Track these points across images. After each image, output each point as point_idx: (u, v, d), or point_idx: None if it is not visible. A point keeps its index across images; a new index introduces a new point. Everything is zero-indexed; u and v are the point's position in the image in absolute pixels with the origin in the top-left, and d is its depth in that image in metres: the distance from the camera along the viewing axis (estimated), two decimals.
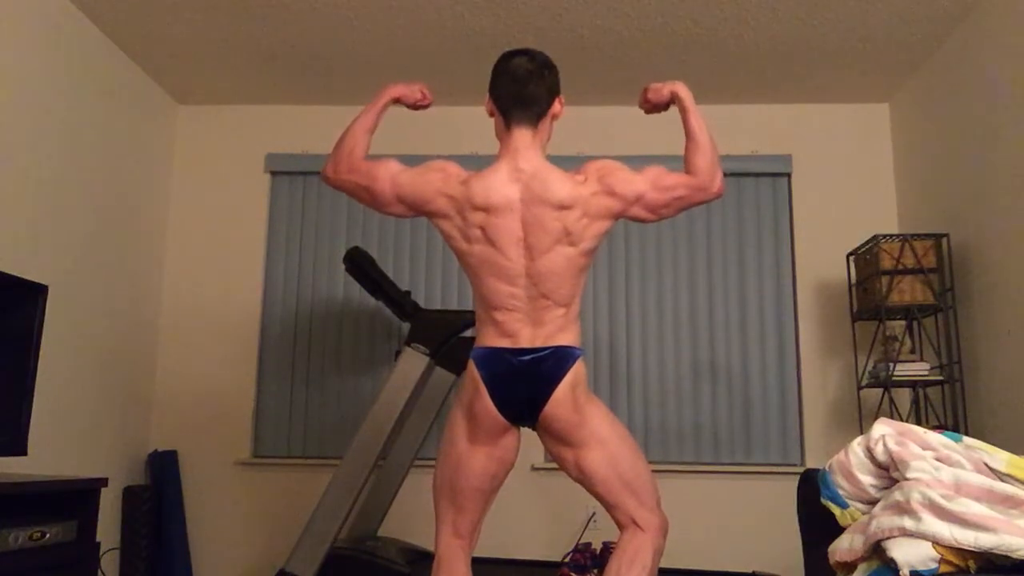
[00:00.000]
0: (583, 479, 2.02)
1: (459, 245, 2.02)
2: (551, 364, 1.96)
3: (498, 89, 2.04)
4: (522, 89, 2.00)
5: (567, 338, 1.99)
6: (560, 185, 1.97)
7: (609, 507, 2.04)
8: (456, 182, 2.01)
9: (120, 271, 3.76)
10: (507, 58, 2.05)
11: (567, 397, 1.96)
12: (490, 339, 2.00)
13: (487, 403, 1.96)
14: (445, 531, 2.04)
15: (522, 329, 1.98)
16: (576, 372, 1.98)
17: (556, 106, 2.07)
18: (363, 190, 2.08)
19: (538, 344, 1.97)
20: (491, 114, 2.09)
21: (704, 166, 2.03)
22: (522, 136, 2.02)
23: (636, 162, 4.37)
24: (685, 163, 2.06)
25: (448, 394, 3.60)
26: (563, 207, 1.95)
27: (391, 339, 4.07)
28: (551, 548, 3.79)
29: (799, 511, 2.39)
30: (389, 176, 2.06)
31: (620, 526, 2.04)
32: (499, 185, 1.97)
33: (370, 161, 2.11)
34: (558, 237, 1.96)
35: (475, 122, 4.06)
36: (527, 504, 3.84)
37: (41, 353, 2.69)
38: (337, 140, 2.18)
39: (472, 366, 2.00)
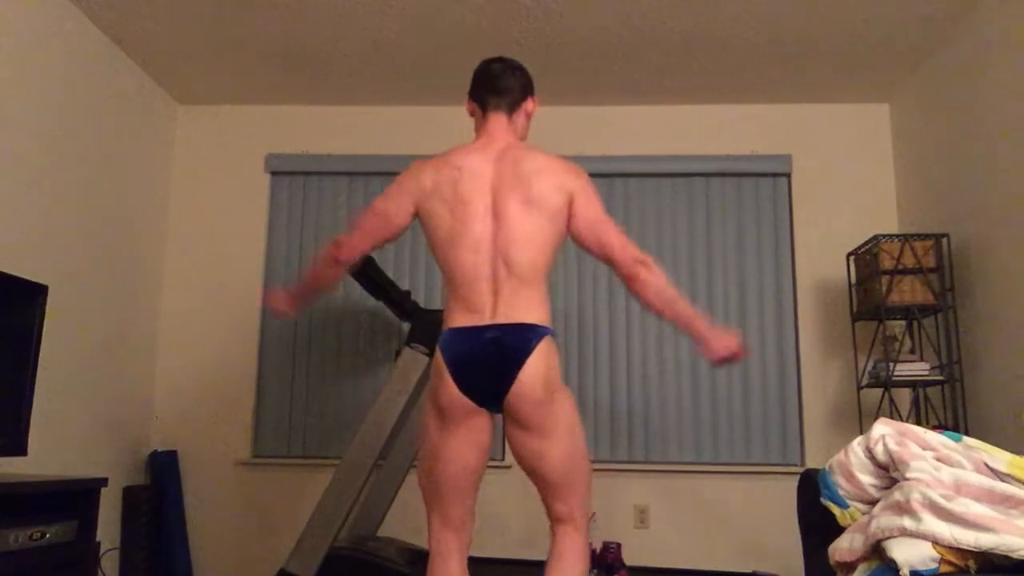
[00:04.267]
0: (538, 466, 1.97)
1: (434, 222, 2.04)
2: (514, 341, 1.92)
3: (476, 88, 2.21)
4: (496, 82, 2.17)
5: (532, 315, 1.96)
6: (533, 155, 2.07)
7: (553, 498, 2.01)
8: (428, 169, 2.09)
9: (120, 271, 3.76)
10: (483, 63, 2.24)
11: (538, 382, 1.91)
12: (455, 317, 1.99)
13: (451, 389, 1.93)
14: (435, 524, 2.03)
15: (486, 303, 1.96)
16: (548, 356, 1.94)
17: (529, 103, 2.22)
18: (385, 241, 2.16)
19: (500, 320, 1.94)
20: (471, 113, 2.23)
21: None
22: (498, 120, 2.16)
23: (637, 162, 4.38)
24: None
25: None
26: (535, 173, 2.02)
27: (391, 339, 4.07)
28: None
29: (799, 511, 2.39)
30: (388, 219, 2.11)
31: (556, 520, 2.02)
32: (473, 153, 2.08)
33: (366, 227, 2.14)
34: (528, 201, 1.99)
35: (473, 122, 4.06)
36: (526, 504, 3.84)
37: (41, 353, 2.69)
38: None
39: (437, 351, 1.99)
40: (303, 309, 2.22)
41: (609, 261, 2.04)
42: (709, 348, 2.09)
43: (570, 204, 2.04)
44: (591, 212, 2.05)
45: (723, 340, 2.07)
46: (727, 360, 2.09)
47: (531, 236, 1.99)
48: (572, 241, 2.10)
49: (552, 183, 2.02)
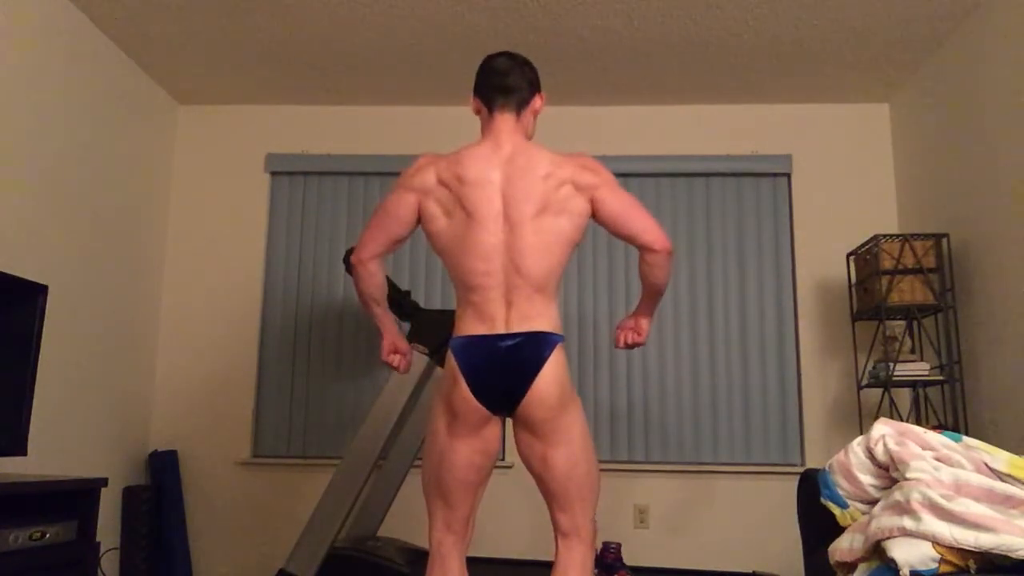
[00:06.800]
0: (545, 473, 1.96)
1: (437, 225, 2.01)
2: (530, 350, 1.91)
3: (481, 85, 2.12)
4: (503, 80, 2.08)
5: (545, 323, 1.95)
6: (544, 156, 2.00)
7: (557, 508, 1.99)
8: (434, 170, 2.03)
9: (120, 271, 3.76)
10: (489, 59, 2.14)
11: (554, 391, 1.91)
12: (467, 325, 1.96)
13: (466, 394, 1.92)
14: (437, 526, 2.02)
15: (498, 311, 1.94)
16: (562, 364, 1.94)
17: (537, 101, 2.14)
18: (397, 238, 2.11)
19: (514, 328, 1.93)
20: (477, 112, 2.14)
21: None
22: (505, 121, 2.07)
23: (637, 162, 4.38)
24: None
25: None
26: (549, 176, 1.97)
27: None
28: (551, 548, 3.78)
29: (799, 511, 2.39)
30: (394, 214, 2.06)
31: (560, 533, 2.00)
32: (480, 158, 2.00)
33: (374, 223, 2.10)
34: (541, 207, 1.95)
35: (474, 122, 4.07)
36: (526, 504, 3.84)
37: (41, 353, 2.69)
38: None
39: (450, 356, 1.96)
40: (403, 344, 2.26)
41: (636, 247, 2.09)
42: (625, 330, 2.27)
43: (592, 200, 2.00)
44: (615, 205, 2.01)
45: (640, 330, 2.26)
46: (631, 345, 2.28)
47: (548, 243, 1.95)
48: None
49: (569, 184, 1.98)
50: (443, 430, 1.97)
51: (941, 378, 3.42)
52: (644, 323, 2.24)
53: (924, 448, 1.95)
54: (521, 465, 3.54)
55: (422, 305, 3.93)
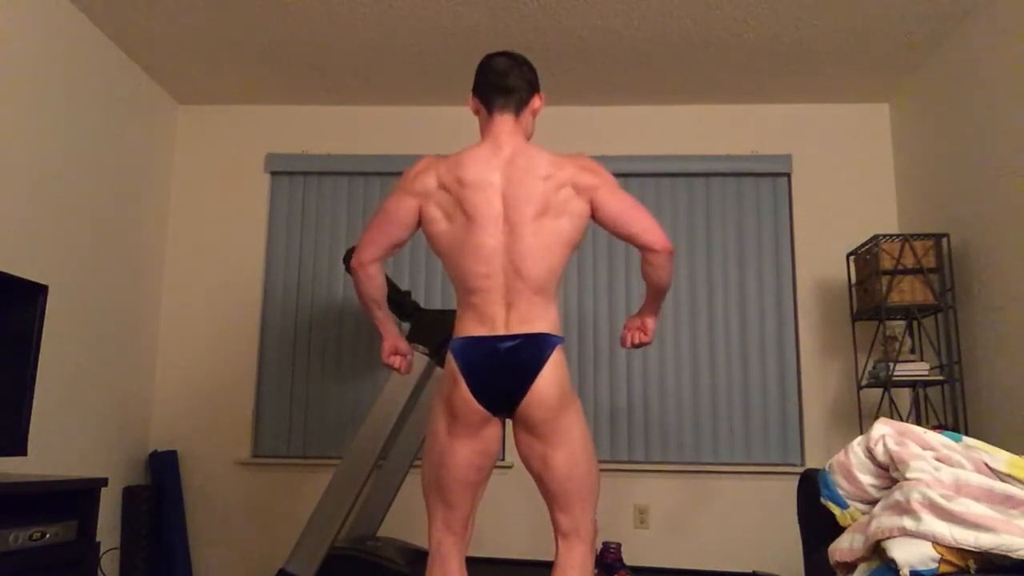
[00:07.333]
0: (545, 473, 1.97)
1: (437, 227, 2.01)
2: (529, 351, 1.92)
3: (481, 85, 2.11)
4: (503, 80, 2.08)
5: (544, 324, 1.95)
6: (543, 158, 2.00)
7: (557, 508, 1.99)
8: (434, 173, 2.02)
9: (120, 271, 3.76)
10: (488, 58, 2.14)
11: (553, 392, 1.92)
12: (467, 326, 1.97)
13: (466, 395, 1.93)
14: (436, 526, 2.02)
15: (498, 313, 1.95)
16: (561, 365, 1.94)
17: (536, 101, 2.13)
18: (396, 240, 2.10)
19: (514, 330, 1.93)
20: (476, 112, 2.14)
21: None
22: (504, 122, 2.07)
23: (637, 162, 4.38)
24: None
25: None
26: (548, 178, 1.97)
27: None
28: (551, 548, 3.78)
29: (799, 511, 2.39)
30: (394, 216, 2.06)
31: (560, 534, 2.00)
32: (480, 160, 2.00)
33: (374, 225, 2.09)
34: (541, 209, 1.95)
35: (473, 122, 4.07)
36: (526, 504, 3.84)
37: (41, 353, 2.69)
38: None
39: (450, 357, 1.97)
40: (403, 346, 2.28)
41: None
42: (631, 330, 2.25)
43: (592, 202, 2.00)
44: (615, 206, 2.01)
45: (647, 330, 2.25)
46: (638, 344, 2.27)
47: (548, 245, 1.96)
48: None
49: (569, 185, 1.98)
50: (443, 431, 1.98)
51: (941, 378, 3.42)
52: (650, 322, 2.24)
53: (924, 448, 1.95)
54: (521, 465, 3.54)
55: (422, 305, 3.93)
